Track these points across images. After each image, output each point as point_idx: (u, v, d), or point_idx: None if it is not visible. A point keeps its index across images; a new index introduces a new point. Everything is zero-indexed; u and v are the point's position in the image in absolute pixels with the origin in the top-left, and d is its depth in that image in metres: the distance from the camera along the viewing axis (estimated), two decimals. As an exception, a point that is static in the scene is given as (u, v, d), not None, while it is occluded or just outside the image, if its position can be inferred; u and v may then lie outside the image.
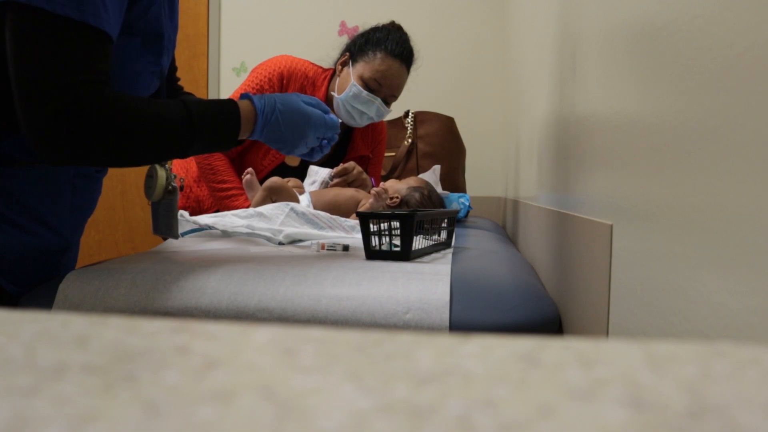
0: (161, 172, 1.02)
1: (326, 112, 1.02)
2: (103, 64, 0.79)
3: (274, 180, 1.57)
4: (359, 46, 1.74)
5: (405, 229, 0.98)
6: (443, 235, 1.19)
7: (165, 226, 1.03)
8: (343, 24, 3.05)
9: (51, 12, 0.73)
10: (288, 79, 1.76)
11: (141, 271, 0.87)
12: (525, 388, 0.17)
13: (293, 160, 1.77)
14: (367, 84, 1.69)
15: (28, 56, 0.75)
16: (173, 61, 1.18)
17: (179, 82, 1.22)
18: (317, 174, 1.80)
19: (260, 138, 0.96)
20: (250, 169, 1.62)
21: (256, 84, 1.75)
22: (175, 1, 1.02)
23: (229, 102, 0.93)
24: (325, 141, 1.04)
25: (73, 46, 0.75)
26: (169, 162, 1.05)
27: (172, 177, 1.04)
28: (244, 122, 0.93)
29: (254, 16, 3.14)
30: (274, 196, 1.55)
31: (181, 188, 1.11)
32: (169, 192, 1.02)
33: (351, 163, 1.70)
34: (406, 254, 0.98)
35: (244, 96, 0.96)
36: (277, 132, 0.96)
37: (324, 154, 1.07)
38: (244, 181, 1.59)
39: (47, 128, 0.76)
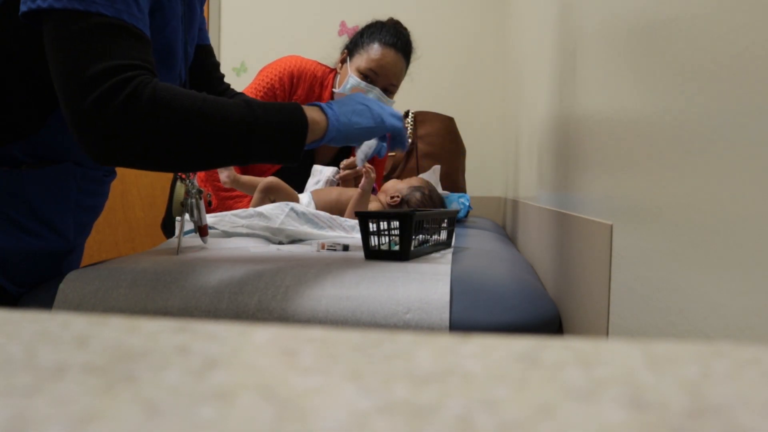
0: (179, 188, 1.02)
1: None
2: (148, 57, 0.76)
3: (272, 180, 1.56)
4: (355, 41, 1.76)
5: (404, 228, 0.98)
6: (443, 235, 1.19)
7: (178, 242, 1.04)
8: (343, 24, 3.05)
9: (86, 11, 0.72)
10: (298, 79, 1.77)
11: (141, 271, 0.87)
12: (525, 388, 0.17)
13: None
14: (364, 74, 1.70)
15: (68, 53, 0.72)
16: (214, 59, 1.17)
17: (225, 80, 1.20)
18: (321, 173, 1.80)
19: (333, 136, 0.89)
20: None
21: (267, 83, 1.76)
22: (194, 12, 1.03)
23: (296, 107, 0.85)
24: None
25: (114, 39, 0.73)
26: (191, 177, 1.02)
27: (194, 192, 1.02)
28: (312, 124, 0.85)
29: (254, 16, 3.14)
30: (272, 195, 1.55)
31: (209, 204, 1.10)
32: (182, 205, 1.02)
33: None
34: (405, 254, 0.98)
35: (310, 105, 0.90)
36: (350, 115, 0.89)
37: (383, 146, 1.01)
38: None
39: (94, 116, 0.70)
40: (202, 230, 1.08)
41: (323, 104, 0.89)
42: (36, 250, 0.91)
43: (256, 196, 1.54)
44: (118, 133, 0.72)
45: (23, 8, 0.74)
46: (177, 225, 1.26)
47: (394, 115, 0.97)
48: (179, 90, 0.76)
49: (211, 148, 0.78)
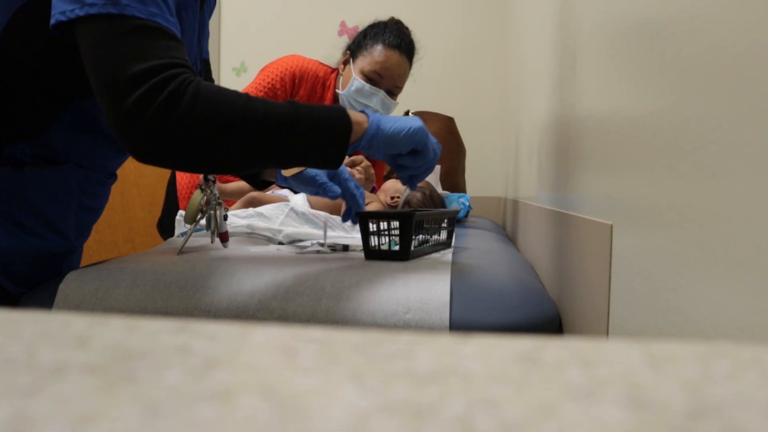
0: (196, 195, 1.01)
1: None
2: (186, 57, 0.76)
3: (255, 195, 1.55)
4: (358, 42, 1.76)
5: (404, 228, 0.98)
6: (443, 235, 1.18)
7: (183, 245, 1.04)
8: (343, 24, 3.05)
9: (121, 14, 0.72)
10: (300, 79, 1.77)
11: (141, 271, 0.87)
12: (525, 388, 0.17)
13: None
14: (368, 77, 1.70)
15: (107, 56, 0.71)
16: (210, 75, 1.17)
17: None
18: None
19: (371, 145, 0.86)
20: None
21: (268, 83, 1.76)
22: (205, 26, 1.03)
23: (339, 107, 0.84)
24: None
25: (152, 39, 0.73)
26: (209, 188, 1.02)
27: (214, 203, 1.02)
28: (356, 126, 0.83)
29: (254, 15, 3.14)
30: (252, 207, 1.53)
31: (225, 218, 1.08)
32: (201, 212, 1.01)
33: (360, 157, 1.69)
34: (405, 254, 0.98)
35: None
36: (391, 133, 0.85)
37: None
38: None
39: (136, 116, 0.70)
40: (222, 236, 1.08)
41: (368, 112, 0.88)
42: (37, 250, 0.92)
43: (237, 206, 1.53)
44: (160, 132, 0.71)
45: (54, 20, 0.73)
46: (178, 226, 1.25)
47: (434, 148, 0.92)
48: (222, 89, 0.76)
49: (253, 148, 0.76)
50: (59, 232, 0.94)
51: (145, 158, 0.74)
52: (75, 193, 0.95)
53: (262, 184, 1.12)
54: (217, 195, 1.04)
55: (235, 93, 0.76)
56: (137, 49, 0.71)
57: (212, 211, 1.03)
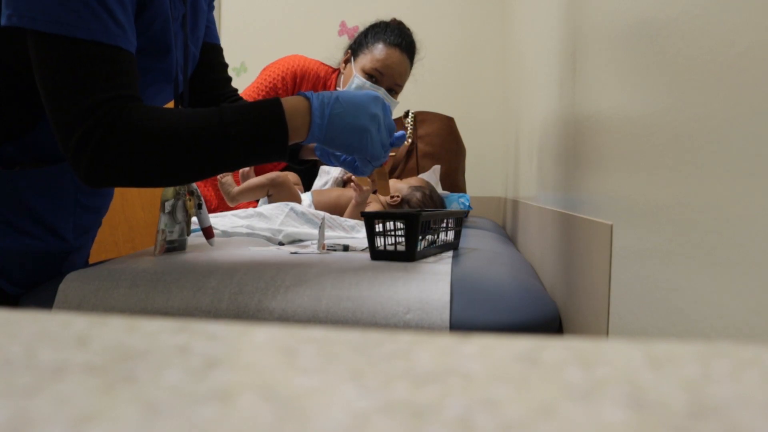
0: (166, 189, 1.00)
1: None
2: (125, 78, 0.77)
3: (279, 175, 1.57)
4: (359, 41, 1.76)
5: (410, 229, 0.97)
6: (450, 235, 1.18)
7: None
8: (343, 24, 3.05)
9: (61, 35, 0.73)
10: (301, 78, 1.77)
11: (141, 271, 0.87)
12: (525, 388, 0.17)
13: (363, 182, 1.59)
14: (369, 74, 1.70)
15: (49, 85, 0.75)
16: (222, 59, 1.15)
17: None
18: (329, 174, 1.81)
19: (322, 140, 0.84)
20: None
21: (269, 83, 1.76)
22: (199, 12, 1.02)
23: (273, 102, 0.82)
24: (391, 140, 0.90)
25: (89, 67, 0.74)
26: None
27: (183, 195, 1.01)
28: (295, 121, 0.82)
29: (254, 16, 3.14)
30: (272, 190, 1.55)
31: (200, 206, 1.06)
32: (170, 206, 1.00)
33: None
34: (410, 255, 0.97)
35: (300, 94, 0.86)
36: (341, 128, 0.83)
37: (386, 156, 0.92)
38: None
39: (78, 156, 0.75)
40: (206, 232, 1.07)
41: (315, 106, 0.84)
42: (33, 251, 0.91)
43: (261, 180, 1.55)
44: (100, 169, 0.76)
45: (3, 21, 0.74)
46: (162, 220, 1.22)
47: (384, 145, 0.89)
48: (153, 112, 0.77)
49: (190, 163, 0.79)
50: (54, 232, 0.93)
51: (91, 186, 0.79)
52: (71, 192, 0.94)
53: (302, 163, 1.11)
54: (193, 187, 1.02)
55: (163, 115, 0.78)
56: (74, 85, 0.74)
57: (179, 202, 1.01)
